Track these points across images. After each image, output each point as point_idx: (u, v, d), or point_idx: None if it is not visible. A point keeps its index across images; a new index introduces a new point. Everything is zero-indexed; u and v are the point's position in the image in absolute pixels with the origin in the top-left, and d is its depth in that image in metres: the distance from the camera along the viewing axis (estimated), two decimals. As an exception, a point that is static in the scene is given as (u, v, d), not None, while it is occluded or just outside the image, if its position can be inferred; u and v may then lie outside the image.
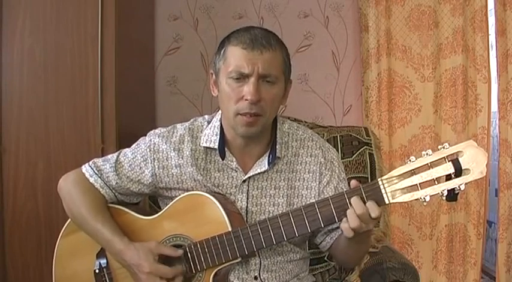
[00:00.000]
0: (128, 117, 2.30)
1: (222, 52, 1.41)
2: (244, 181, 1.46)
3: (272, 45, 1.38)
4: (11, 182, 2.16)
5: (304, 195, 1.50)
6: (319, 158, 1.51)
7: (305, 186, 1.50)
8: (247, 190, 1.47)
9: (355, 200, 1.28)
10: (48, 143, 2.17)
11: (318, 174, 1.50)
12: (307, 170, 1.50)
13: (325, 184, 1.50)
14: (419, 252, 2.85)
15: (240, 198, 1.47)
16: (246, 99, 1.36)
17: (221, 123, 1.48)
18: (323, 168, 1.51)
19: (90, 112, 2.16)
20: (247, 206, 1.47)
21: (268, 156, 1.46)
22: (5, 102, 2.16)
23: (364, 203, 1.28)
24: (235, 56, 1.37)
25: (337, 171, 1.53)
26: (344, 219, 1.30)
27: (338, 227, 1.41)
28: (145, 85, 2.72)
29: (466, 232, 2.84)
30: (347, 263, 1.70)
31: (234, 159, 1.46)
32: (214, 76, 1.46)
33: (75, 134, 2.17)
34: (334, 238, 1.52)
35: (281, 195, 1.48)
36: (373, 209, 1.27)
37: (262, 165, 1.46)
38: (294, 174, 1.50)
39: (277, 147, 1.47)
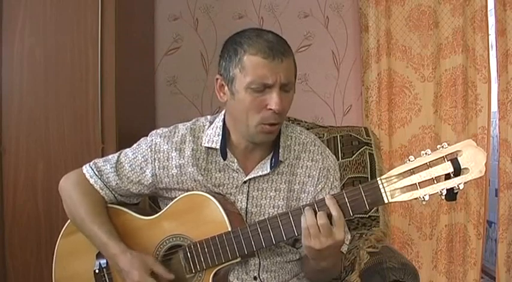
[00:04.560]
0: (128, 117, 2.30)
1: (237, 60, 1.35)
2: (244, 182, 1.46)
3: (287, 51, 1.36)
4: (11, 182, 2.16)
5: (301, 198, 1.49)
6: (319, 164, 1.51)
7: (303, 190, 1.50)
8: (248, 191, 1.47)
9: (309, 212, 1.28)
10: (48, 143, 2.17)
11: (316, 179, 1.50)
12: (307, 174, 1.50)
13: (319, 190, 1.50)
14: (419, 252, 2.85)
15: (240, 199, 1.46)
16: (270, 109, 1.34)
17: (224, 124, 1.47)
18: (320, 174, 1.50)
19: (90, 112, 2.16)
20: (246, 207, 1.46)
21: (271, 160, 1.46)
22: (5, 102, 2.16)
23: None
24: (256, 66, 1.33)
25: (331, 179, 1.52)
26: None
27: None
28: (145, 85, 2.72)
29: (466, 232, 2.84)
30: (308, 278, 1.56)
31: (236, 160, 1.46)
32: (224, 82, 1.41)
33: (75, 134, 2.17)
34: None
35: (281, 197, 1.48)
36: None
37: (264, 168, 1.46)
38: (294, 177, 1.49)
39: (280, 151, 1.46)
